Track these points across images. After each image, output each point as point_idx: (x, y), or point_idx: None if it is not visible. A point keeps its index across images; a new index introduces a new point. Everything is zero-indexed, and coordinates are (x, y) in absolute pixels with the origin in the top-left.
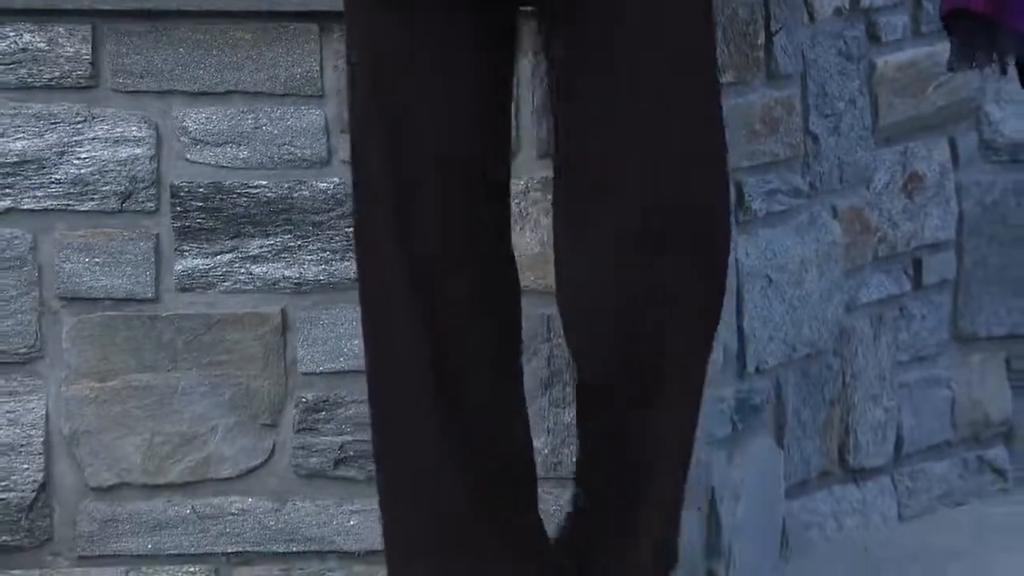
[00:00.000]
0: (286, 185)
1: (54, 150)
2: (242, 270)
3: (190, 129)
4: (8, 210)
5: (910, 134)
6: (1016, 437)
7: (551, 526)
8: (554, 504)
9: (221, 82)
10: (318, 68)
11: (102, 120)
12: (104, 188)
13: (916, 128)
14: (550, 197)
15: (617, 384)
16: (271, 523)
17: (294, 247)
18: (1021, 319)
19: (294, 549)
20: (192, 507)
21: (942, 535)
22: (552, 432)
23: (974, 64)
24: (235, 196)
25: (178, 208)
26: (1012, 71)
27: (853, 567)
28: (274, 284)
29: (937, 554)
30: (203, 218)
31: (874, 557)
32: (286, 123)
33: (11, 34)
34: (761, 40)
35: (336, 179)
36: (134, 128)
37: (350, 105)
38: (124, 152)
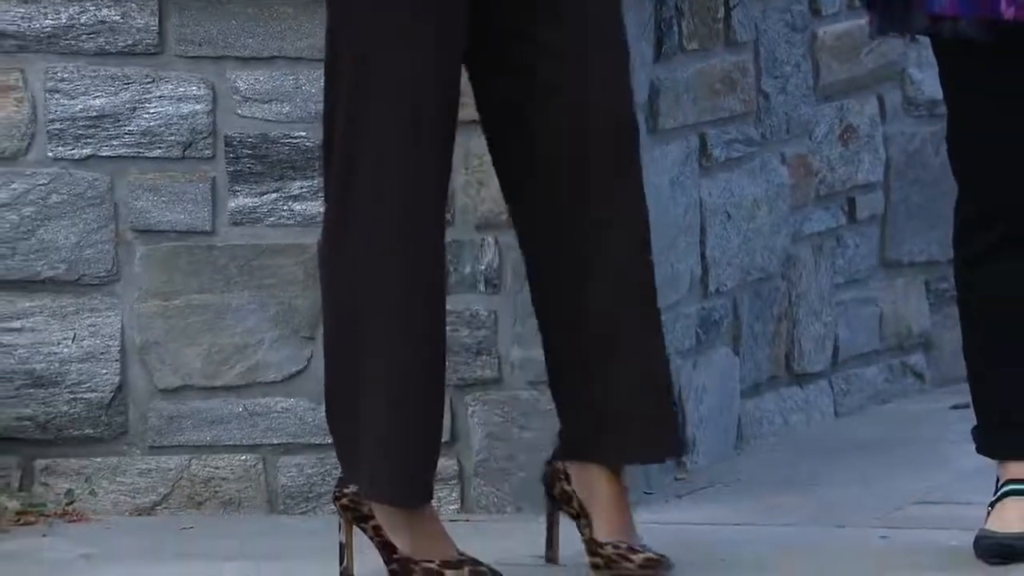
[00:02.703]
0: (321, 135)
1: (127, 106)
2: (285, 207)
3: (241, 88)
4: (89, 157)
5: (846, 92)
6: (933, 346)
7: (545, 424)
8: (547, 404)
9: (267, 48)
10: None
11: (167, 81)
12: (169, 138)
13: (851, 87)
14: None
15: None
16: (309, 419)
17: None
18: (938, 248)
19: (328, 442)
20: (243, 406)
21: (871, 428)
22: None
23: (890, 34)
24: (279, 145)
25: (231, 155)
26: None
27: (797, 455)
28: (312, 218)
29: (867, 443)
30: (252, 163)
31: (814, 447)
32: (322, 83)
33: (91, 8)
34: (721, 14)
35: None
36: (194, 88)
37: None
38: (186, 108)
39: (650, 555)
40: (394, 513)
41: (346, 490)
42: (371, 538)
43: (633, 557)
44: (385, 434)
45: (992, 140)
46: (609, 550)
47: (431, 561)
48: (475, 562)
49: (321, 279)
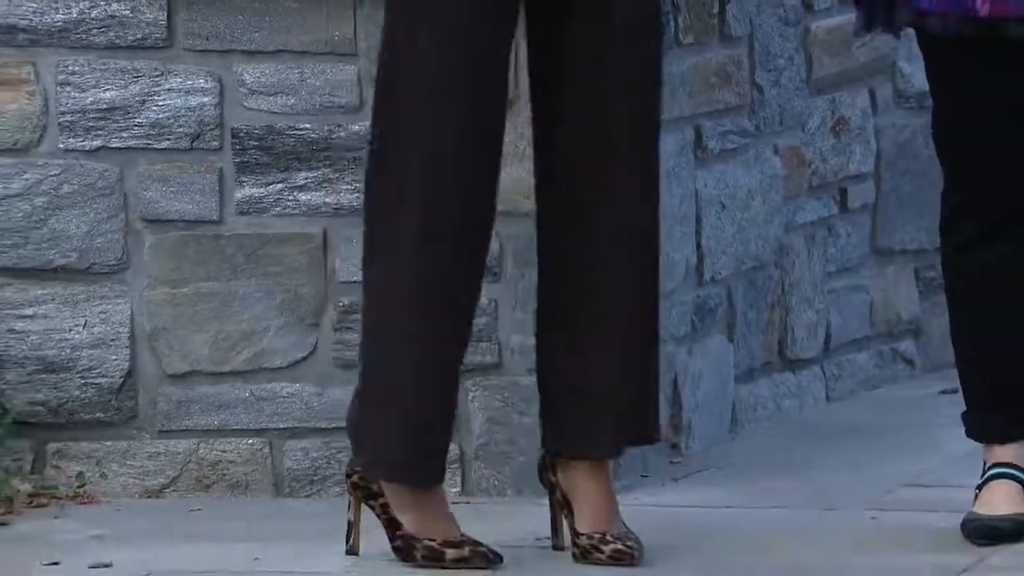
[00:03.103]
0: (326, 127)
1: (136, 99)
2: (290, 197)
3: (247, 81)
4: (99, 148)
5: (838, 85)
6: (922, 333)
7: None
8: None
9: (273, 43)
10: (352, 32)
11: (176, 74)
12: (178, 130)
13: (843, 80)
14: None
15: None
16: (314, 404)
17: (333, 178)
18: (928, 237)
19: (333, 426)
20: (250, 391)
21: (862, 413)
22: None
23: (875, 30)
24: (284, 136)
25: (238, 146)
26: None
27: (789, 440)
28: (316, 209)
29: (858, 428)
30: (258, 154)
31: (807, 431)
32: (326, 76)
33: (102, 3)
34: (716, 9)
35: (367, 123)
36: (201, 81)
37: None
38: (194, 100)
39: (618, 547)
40: (402, 492)
41: (357, 468)
42: (378, 515)
43: (604, 548)
44: (407, 414)
45: (972, 133)
46: (584, 541)
47: (433, 539)
48: (476, 543)
49: (363, 262)
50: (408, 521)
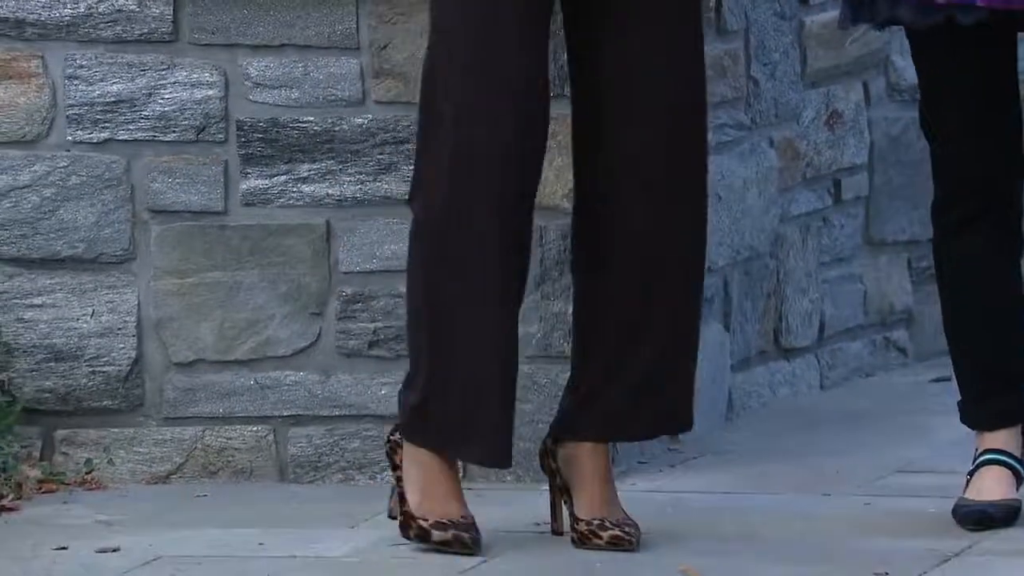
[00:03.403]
0: (329, 120)
1: (143, 92)
2: (294, 189)
3: (252, 75)
4: (107, 140)
5: (832, 79)
6: (915, 322)
7: (542, 397)
8: (544, 377)
9: (277, 37)
10: (355, 27)
11: (181, 68)
12: (183, 122)
13: (837, 74)
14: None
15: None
16: (318, 392)
17: (336, 170)
18: (920, 228)
19: (336, 413)
20: (254, 379)
21: (855, 400)
22: (544, 320)
23: (858, 24)
24: (288, 129)
25: (242, 139)
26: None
27: (784, 426)
28: (320, 200)
29: (851, 415)
30: (262, 147)
31: (801, 418)
32: (329, 70)
33: None
34: (713, 3)
35: (369, 116)
36: (207, 74)
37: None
38: (199, 94)
39: (616, 532)
40: (412, 466)
41: (393, 436)
42: (394, 487)
43: (602, 534)
44: (429, 375)
45: (951, 123)
46: (583, 526)
47: (426, 520)
48: (465, 527)
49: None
50: (413, 498)
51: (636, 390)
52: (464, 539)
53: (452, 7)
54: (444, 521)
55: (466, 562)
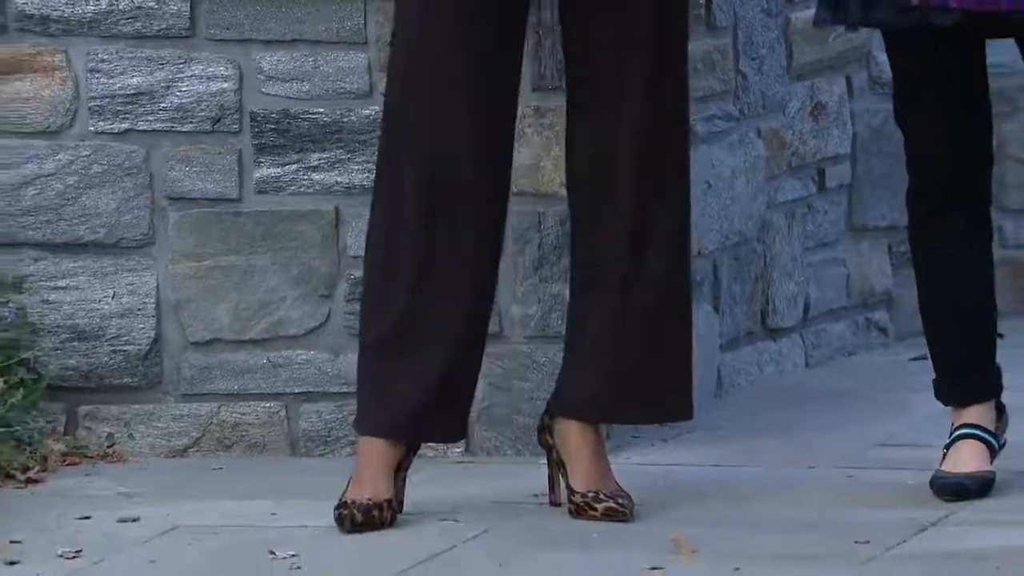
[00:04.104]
0: (338, 112)
1: (162, 85)
2: (305, 177)
3: (265, 69)
4: (127, 131)
5: (816, 72)
6: (895, 303)
7: (540, 375)
8: (543, 356)
9: (289, 32)
10: (363, 22)
11: (198, 62)
12: (200, 114)
13: (821, 68)
14: (542, 121)
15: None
16: (328, 370)
17: (345, 159)
18: (900, 214)
19: (345, 390)
20: (267, 358)
21: (838, 378)
22: (542, 301)
23: (834, 24)
24: (299, 120)
25: (256, 129)
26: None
27: (771, 403)
28: (329, 188)
29: (835, 392)
30: (275, 137)
31: (787, 395)
32: (338, 64)
33: None
34: (703, 0)
35: (376, 107)
36: (222, 68)
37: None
38: (215, 87)
39: (611, 504)
40: (359, 445)
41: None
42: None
43: (597, 505)
44: (369, 349)
45: (920, 120)
46: (579, 498)
47: (342, 503)
48: (362, 507)
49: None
50: (351, 480)
51: (621, 376)
52: (343, 514)
53: (403, 58)
54: (346, 501)
55: (468, 531)
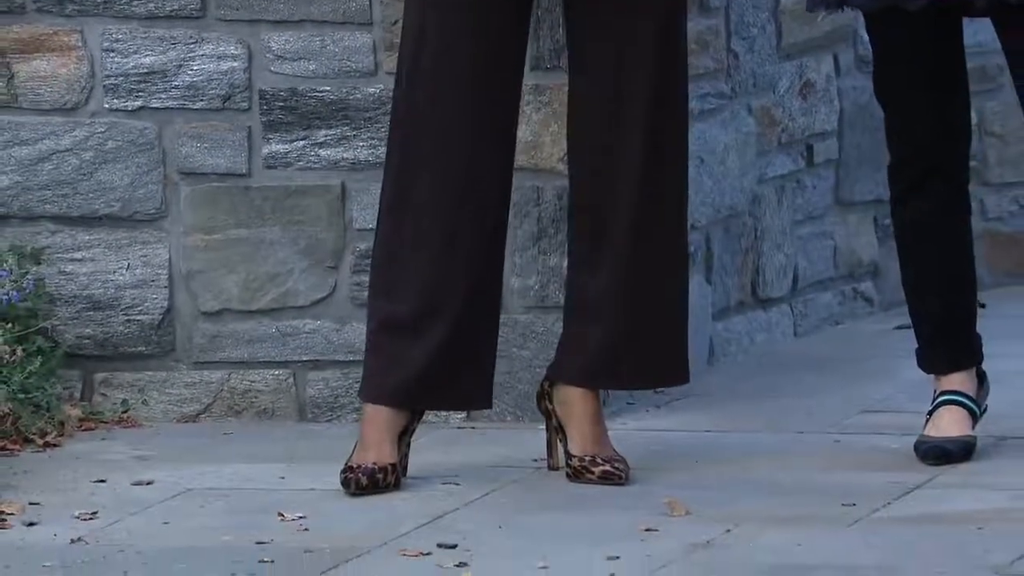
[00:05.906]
0: (344, 90)
1: (174, 63)
2: (312, 153)
3: (273, 48)
4: (140, 108)
5: (805, 52)
6: (880, 274)
7: (539, 344)
8: (541, 326)
9: (296, 13)
10: (368, 3)
11: (209, 42)
12: (211, 92)
13: (809, 47)
14: (541, 99)
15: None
16: (334, 339)
17: (350, 136)
18: (885, 189)
19: (351, 358)
20: (276, 327)
21: (826, 347)
22: (540, 273)
23: (817, 8)
24: (306, 98)
25: (264, 107)
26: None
27: (761, 370)
28: (335, 163)
29: (822, 360)
30: (283, 114)
31: (776, 363)
32: (344, 44)
33: None
34: None
35: (381, 85)
36: (232, 48)
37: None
38: (225, 65)
39: (607, 468)
40: (363, 414)
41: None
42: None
43: (594, 469)
44: (374, 318)
45: (898, 97)
46: (576, 462)
47: (348, 467)
48: (367, 471)
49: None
50: (357, 445)
51: (619, 343)
52: (348, 478)
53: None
54: (351, 465)
55: (470, 493)
